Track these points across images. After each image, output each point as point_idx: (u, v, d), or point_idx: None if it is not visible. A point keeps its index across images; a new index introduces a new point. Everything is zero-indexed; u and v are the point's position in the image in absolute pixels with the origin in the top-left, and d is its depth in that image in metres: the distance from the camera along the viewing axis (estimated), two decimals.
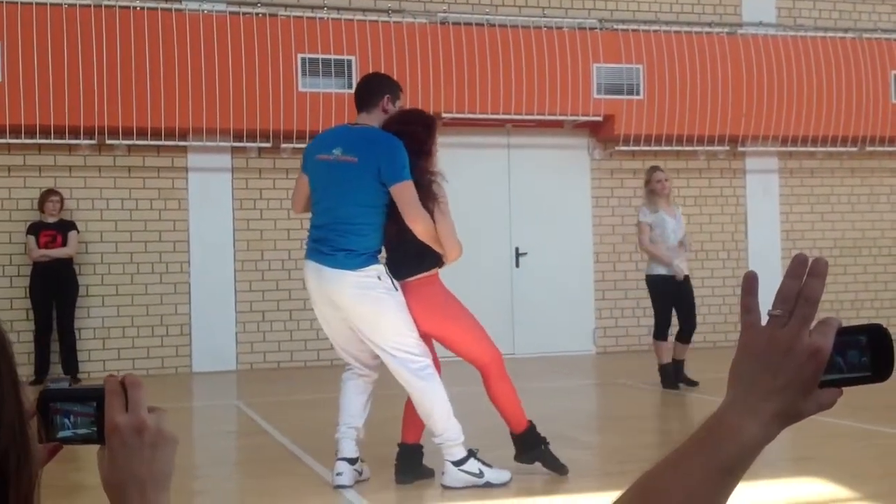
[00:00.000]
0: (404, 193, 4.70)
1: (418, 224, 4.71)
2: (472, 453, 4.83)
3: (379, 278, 4.76)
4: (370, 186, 4.77)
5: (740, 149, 12.01)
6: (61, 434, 1.09)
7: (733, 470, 0.96)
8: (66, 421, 1.09)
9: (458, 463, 4.77)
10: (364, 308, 4.77)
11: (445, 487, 4.79)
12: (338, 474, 4.82)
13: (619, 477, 5.01)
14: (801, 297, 0.95)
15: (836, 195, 12.53)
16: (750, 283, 0.98)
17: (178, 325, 10.53)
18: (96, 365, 10.07)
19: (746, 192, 12.23)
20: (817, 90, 11.93)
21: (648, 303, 11.89)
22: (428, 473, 5.03)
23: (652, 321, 11.90)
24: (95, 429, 1.09)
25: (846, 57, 12.06)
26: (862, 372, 0.97)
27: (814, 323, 0.96)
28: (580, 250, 11.62)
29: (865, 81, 12.10)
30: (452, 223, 4.89)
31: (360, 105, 5.07)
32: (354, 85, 10.44)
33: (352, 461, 4.88)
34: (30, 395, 1.08)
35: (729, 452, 0.95)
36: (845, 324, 0.98)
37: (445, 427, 4.76)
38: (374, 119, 4.99)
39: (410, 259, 4.88)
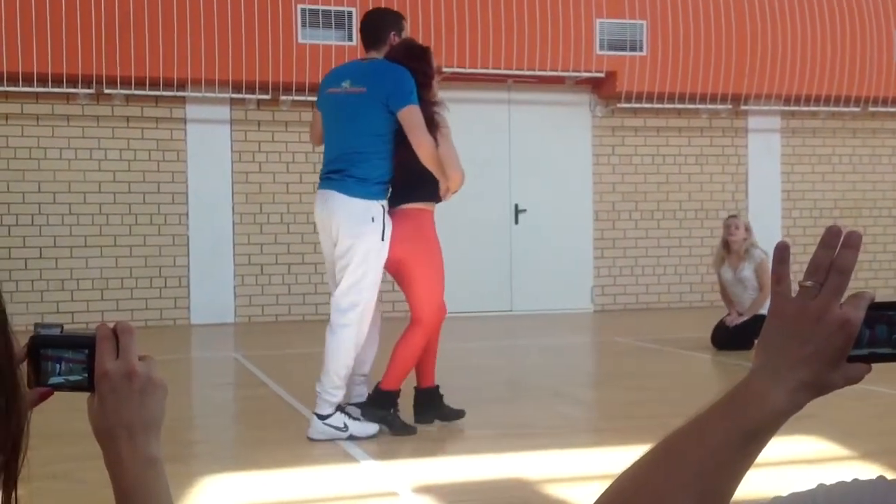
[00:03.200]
0: (411, 117, 4.79)
1: (423, 147, 4.79)
2: (339, 408, 4.89)
3: (373, 219, 4.83)
4: (379, 115, 4.86)
5: (743, 108, 11.94)
6: (52, 380, 1.09)
7: (756, 436, 0.95)
8: (58, 367, 1.09)
9: (322, 417, 4.85)
10: (348, 236, 4.84)
11: (311, 439, 4.86)
12: (343, 431, 4.92)
13: (612, 433, 5.03)
14: (833, 268, 0.94)
15: (837, 156, 12.48)
16: (782, 253, 0.97)
17: (177, 278, 10.53)
18: (95, 315, 10.08)
19: (748, 151, 12.18)
20: (821, 49, 11.84)
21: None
22: (453, 415, 5.15)
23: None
24: (87, 375, 1.08)
25: (850, 16, 11.95)
26: (894, 349, 0.95)
27: (846, 295, 0.95)
28: (580, 208, 11.59)
29: (870, 41, 12.00)
30: (455, 150, 5.00)
31: (369, 44, 5.16)
32: (355, 37, 10.47)
33: (356, 406, 5.05)
34: (20, 340, 1.07)
35: (753, 418, 0.94)
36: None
37: (332, 383, 4.84)
38: (383, 54, 5.10)
39: (411, 185, 4.98)
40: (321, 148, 5.30)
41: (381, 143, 4.89)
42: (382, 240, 4.84)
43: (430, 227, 5.08)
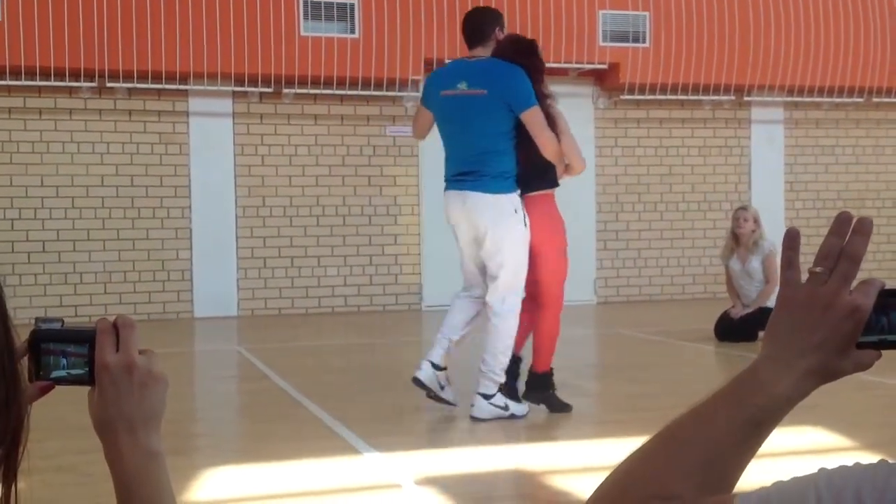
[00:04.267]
0: (534, 118, 5.02)
1: (549, 145, 5.04)
2: (500, 388, 5.11)
3: (515, 211, 5.07)
4: (503, 116, 5.05)
5: (746, 99, 11.91)
6: (55, 374, 1.09)
7: (761, 423, 0.94)
8: (59, 361, 1.09)
9: (487, 396, 5.04)
10: (497, 232, 5.06)
11: (474, 419, 5.03)
12: (417, 368, 5.12)
13: (616, 425, 5.03)
14: (843, 255, 0.93)
15: (840, 146, 12.46)
16: (792, 239, 0.96)
17: (180, 271, 10.53)
18: (98, 309, 10.09)
19: (751, 142, 12.16)
20: (824, 40, 11.80)
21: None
22: (560, 407, 5.26)
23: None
24: (88, 369, 1.09)
25: (854, 6, 11.91)
26: None
27: (855, 282, 0.94)
28: (582, 199, 11.57)
29: (873, 32, 11.96)
30: (574, 140, 5.30)
31: (474, 41, 5.28)
32: (357, 29, 10.46)
33: (435, 366, 5.13)
34: (23, 335, 1.07)
35: (758, 405, 0.94)
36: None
37: (499, 366, 5.06)
38: (488, 51, 5.22)
39: (534, 175, 5.20)
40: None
41: (507, 141, 5.10)
42: (525, 227, 5.11)
43: (554, 210, 5.37)
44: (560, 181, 5.39)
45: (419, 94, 10.66)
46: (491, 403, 5.04)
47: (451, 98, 5.16)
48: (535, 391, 5.25)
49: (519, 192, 5.15)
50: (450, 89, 5.16)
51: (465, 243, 5.25)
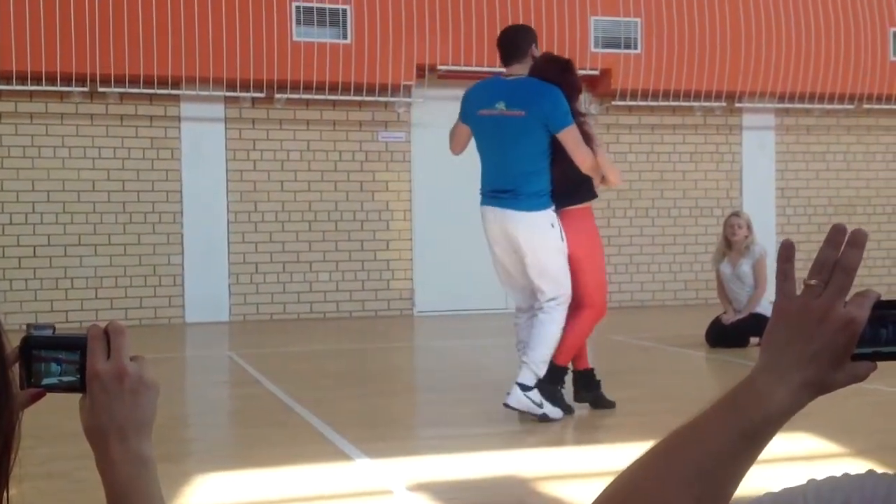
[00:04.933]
0: (571, 137, 5.16)
1: (585, 162, 5.19)
2: (537, 385, 5.15)
3: (552, 225, 5.23)
4: (540, 136, 5.20)
5: (737, 105, 11.95)
6: (46, 381, 1.08)
7: (756, 435, 0.94)
8: (52, 368, 1.08)
9: (525, 388, 5.09)
10: (533, 246, 5.23)
11: (507, 406, 5.08)
12: (508, 395, 5.22)
13: (608, 430, 5.04)
14: (838, 267, 0.93)
15: (831, 153, 12.49)
16: (787, 251, 0.96)
17: (171, 276, 10.51)
18: (89, 314, 10.06)
19: (742, 148, 12.19)
20: (815, 46, 11.85)
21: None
22: (608, 404, 5.42)
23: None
24: (79, 376, 1.08)
25: (845, 13, 11.96)
26: None
27: (850, 294, 0.94)
28: None
29: (864, 38, 12.01)
30: (607, 155, 5.52)
31: (511, 58, 5.39)
32: (350, 35, 10.47)
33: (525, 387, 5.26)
34: (13, 341, 1.06)
35: (753, 417, 0.94)
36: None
37: (541, 358, 5.15)
38: (525, 68, 5.34)
39: (571, 189, 5.34)
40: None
41: (543, 160, 5.24)
42: (562, 240, 5.26)
43: (591, 222, 5.51)
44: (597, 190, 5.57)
45: (411, 100, 10.77)
46: (527, 396, 5.09)
47: (488, 118, 5.27)
48: (548, 383, 5.28)
49: (554, 207, 5.27)
50: (487, 109, 5.28)
51: (502, 256, 5.38)
